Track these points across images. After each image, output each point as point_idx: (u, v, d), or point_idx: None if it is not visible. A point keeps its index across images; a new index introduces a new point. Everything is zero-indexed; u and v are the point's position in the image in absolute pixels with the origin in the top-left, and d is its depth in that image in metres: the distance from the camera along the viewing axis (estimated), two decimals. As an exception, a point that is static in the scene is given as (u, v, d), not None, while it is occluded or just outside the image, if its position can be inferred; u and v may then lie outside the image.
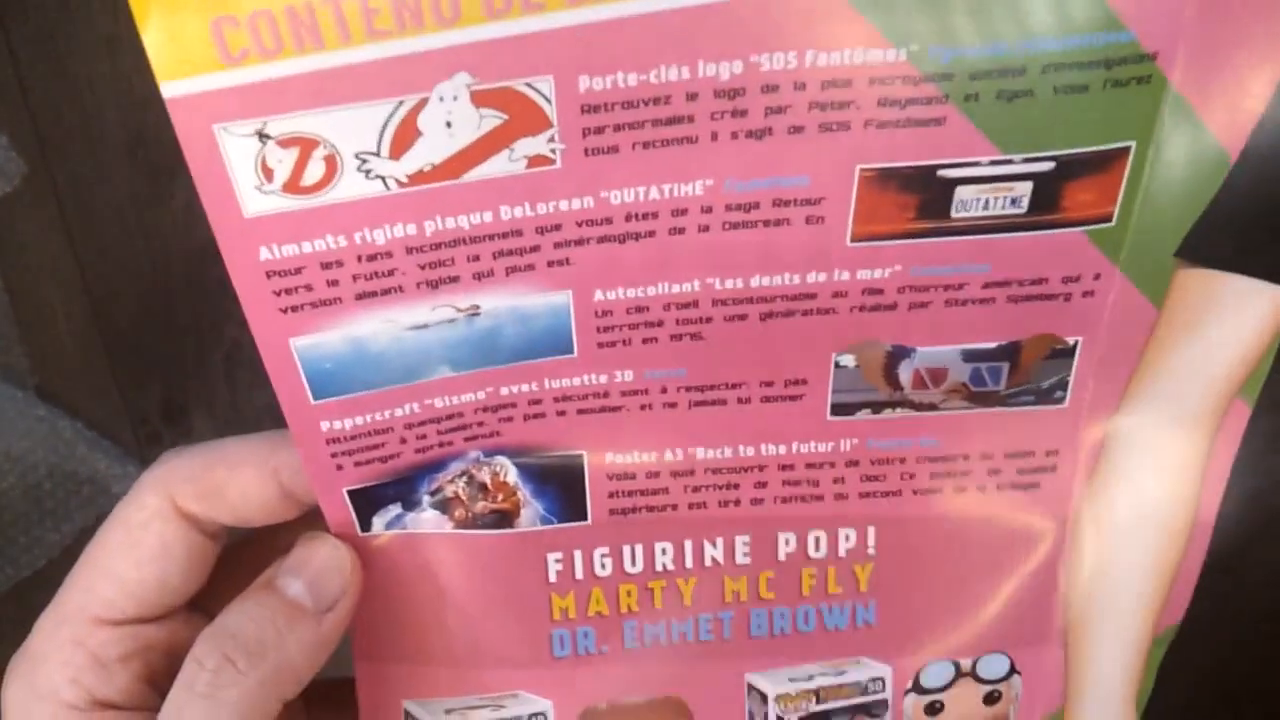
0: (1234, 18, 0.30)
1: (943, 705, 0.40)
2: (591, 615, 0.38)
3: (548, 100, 0.28)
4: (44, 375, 0.81)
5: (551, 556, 0.37)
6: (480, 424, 0.35)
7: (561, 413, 0.35)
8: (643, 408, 0.35)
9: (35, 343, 0.79)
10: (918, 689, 0.40)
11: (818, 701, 0.39)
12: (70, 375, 0.79)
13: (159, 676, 0.35)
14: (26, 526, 0.74)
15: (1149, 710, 0.40)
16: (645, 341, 0.33)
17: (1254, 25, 0.30)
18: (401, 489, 0.36)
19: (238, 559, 0.38)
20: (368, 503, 0.36)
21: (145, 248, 0.81)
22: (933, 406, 0.36)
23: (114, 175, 0.84)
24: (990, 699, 0.40)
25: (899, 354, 0.35)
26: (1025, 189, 0.32)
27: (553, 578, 0.38)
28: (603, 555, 0.38)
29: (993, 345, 0.35)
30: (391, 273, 0.31)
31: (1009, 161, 0.31)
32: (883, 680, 0.40)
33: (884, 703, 0.40)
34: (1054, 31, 0.29)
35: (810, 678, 0.39)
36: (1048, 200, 0.32)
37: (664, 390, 0.35)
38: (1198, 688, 0.39)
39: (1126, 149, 0.31)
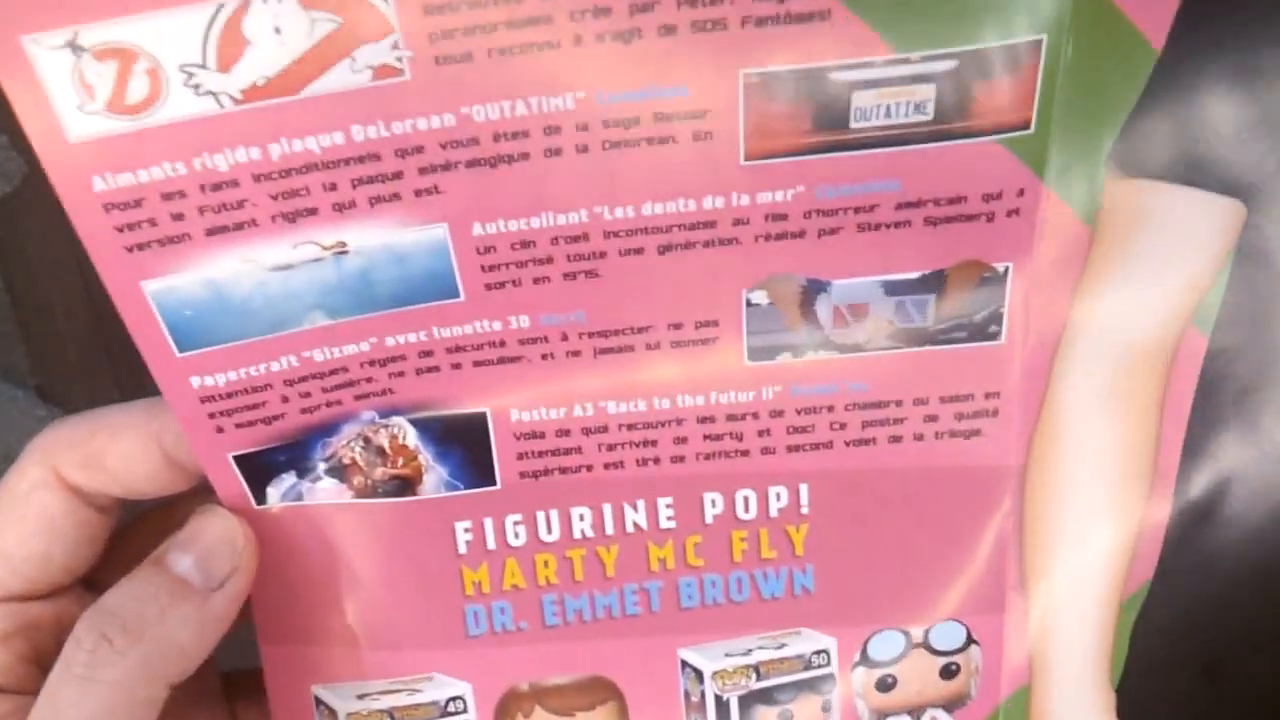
0: None
1: (895, 680, 0.37)
2: (507, 589, 0.36)
3: (377, 15, 0.26)
4: (44, 375, 0.79)
5: (460, 525, 0.35)
6: (369, 380, 0.32)
7: (456, 365, 0.32)
8: (544, 357, 0.32)
9: (35, 343, 0.78)
10: (866, 661, 0.37)
11: (758, 678, 0.37)
12: (70, 376, 0.78)
13: (45, 657, 0.33)
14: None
15: (1124, 679, 0.37)
16: (536, 281, 0.31)
17: None
18: (294, 455, 0.33)
19: (136, 536, 0.36)
20: (259, 471, 0.33)
21: None
22: (858, 347, 0.33)
23: None
24: (947, 672, 0.37)
25: (814, 288, 0.32)
26: (929, 92, 0.29)
27: (462, 549, 0.35)
28: (515, 523, 0.35)
29: (915, 275, 0.32)
30: (241, 204, 0.28)
31: (906, 60, 0.28)
32: (827, 653, 0.37)
33: (830, 677, 0.37)
34: None
35: (748, 652, 0.37)
36: (955, 106, 0.29)
37: (564, 337, 0.32)
38: (1172, 653, 0.36)
39: (1037, 43, 0.28)
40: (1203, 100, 0.30)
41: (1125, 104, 0.30)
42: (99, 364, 0.74)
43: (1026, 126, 0.30)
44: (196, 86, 0.27)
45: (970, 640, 0.37)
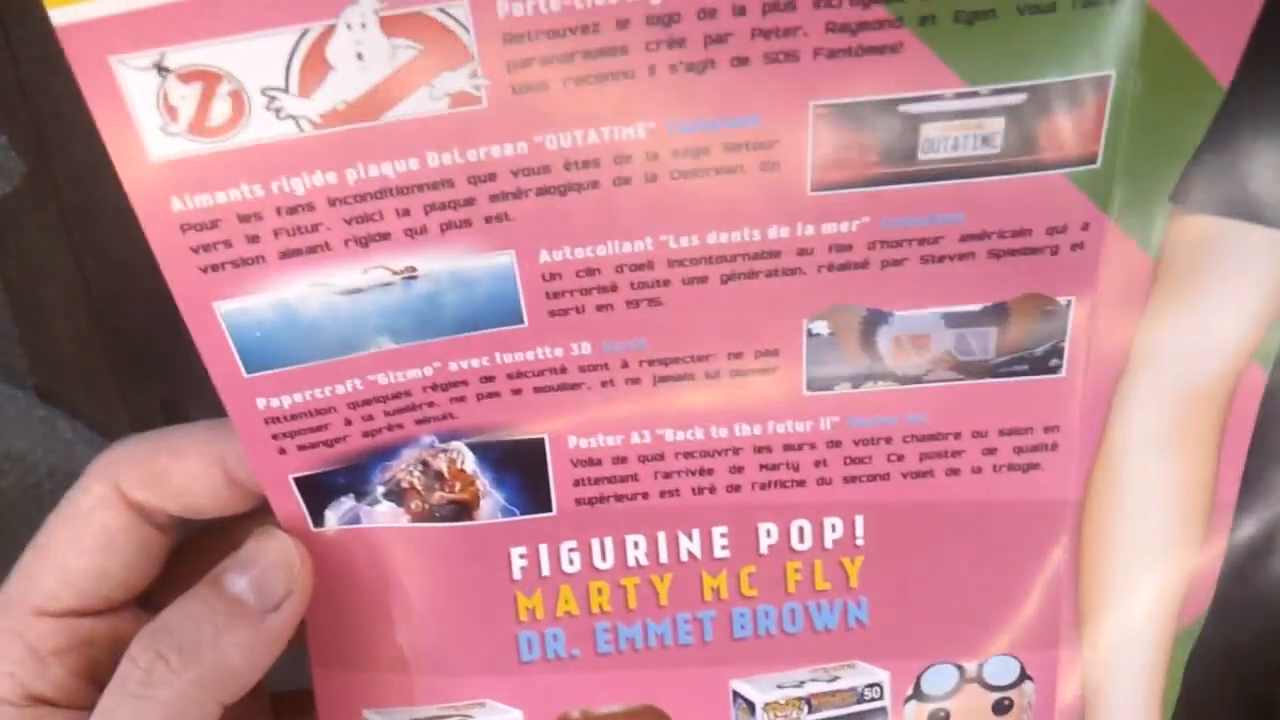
0: None
1: (948, 714, 0.37)
2: (560, 616, 0.36)
3: (465, 28, 0.26)
4: (44, 375, 0.80)
5: (515, 551, 0.35)
6: (431, 404, 0.32)
7: (517, 391, 0.33)
8: (604, 384, 0.33)
9: (35, 343, 0.78)
10: (919, 695, 0.37)
11: (810, 710, 0.36)
12: (70, 375, 0.78)
13: (101, 673, 0.33)
14: (26, 526, 0.74)
15: (1177, 714, 0.37)
16: (600, 309, 0.31)
17: None
18: (353, 478, 0.33)
19: (193, 556, 0.36)
20: (318, 494, 0.33)
21: (145, 248, 0.80)
22: (917, 379, 0.33)
23: (114, 175, 0.85)
24: (1000, 708, 0.37)
25: (876, 319, 0.32)
26: (997, 125, 0.29)
27: (517, 575, 0.35)
28: (570, 549, 0.35)
29: (977, 308, 0.32)
30: (315, 227, 0.29)
31: (975, 94, 0.29)
32: (880, 686, 0.37)
33: (883, 710, 0.37)
34: None
35: (800, 684, 0.36)
36: (1023, 138, 0.29)
37: (625, 364, 0.32)
38: (1226, 689, 0.35)
39: (1105, 79, 0.29)
40: (1268, 137, 0.30)
41: (1191, 140, 0.30)
42: (98, 364, 0.74)
43: (1093, 161, 0.30)
44: (278, 110, 0.27)
45: (1024, 675, 0.37)
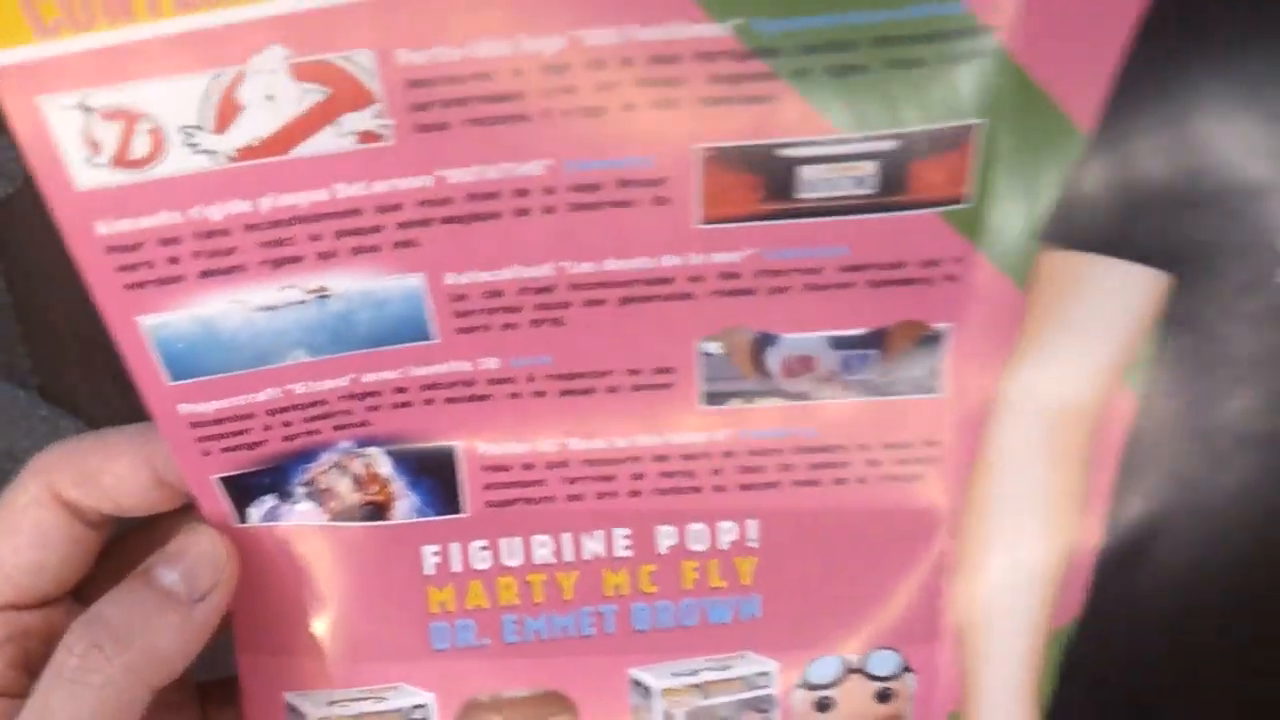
0: None
1: (833, 701, 0.39)
2: (470, 608, 0.38)
3: (369, 74, 0.28)
4: (46, 376, 0.81)
5: (428, 549, 0.37)
6: (347, 412, 0.35)
7: (429, 401, 0.35)
8: (511, 396, 0.35)
9: (37, 343, 0.80)
10: (805, 684, 0.39)
11: (704, 696, 0.39)
12: (72, 376, 0.79)
13: (35, 663, 0.35)
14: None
15: (1052, 711, 0.39)
16: (505, 327, 0.33)
17: (1081, 5, 0.30)
18: (275, 479, 0.36)
19: (125, 551, 0.38)
20: (242, 493, 0.36)
21: None
22: (805, 396, 0.35)
23: None
24: (883, 696, 0.39)
25: (764, 341, 0.34)
26: (871, 168, 0.31)
27: (430, 570, 0.38)
28: (480, 548, 0.37)
29: (859, 332, 0.34)
30: (232, 251, 0.31)
31: (848, 140, 0.31)
32: (769, 674, 0.39)
33: (770, 698, 0.39)
34: (883, 2, 0.29)
35: (695, 672, 0.39)
36: (896, 180, 0.31)
37: (531, 378, 0.35)
38: (1100, 687, 0.38)
39: (972, 126, 0.31)
40: (1127, 179, 0.32)
41: (1056, 181, 0.32)
42: (100, 365, 0.76)
43: (962, 201, 0.32)
44: (194, 145, 0.29)
45: (906, 668, 0.39)
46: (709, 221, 0.32)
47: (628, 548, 0.38)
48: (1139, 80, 0.32)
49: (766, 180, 0.32)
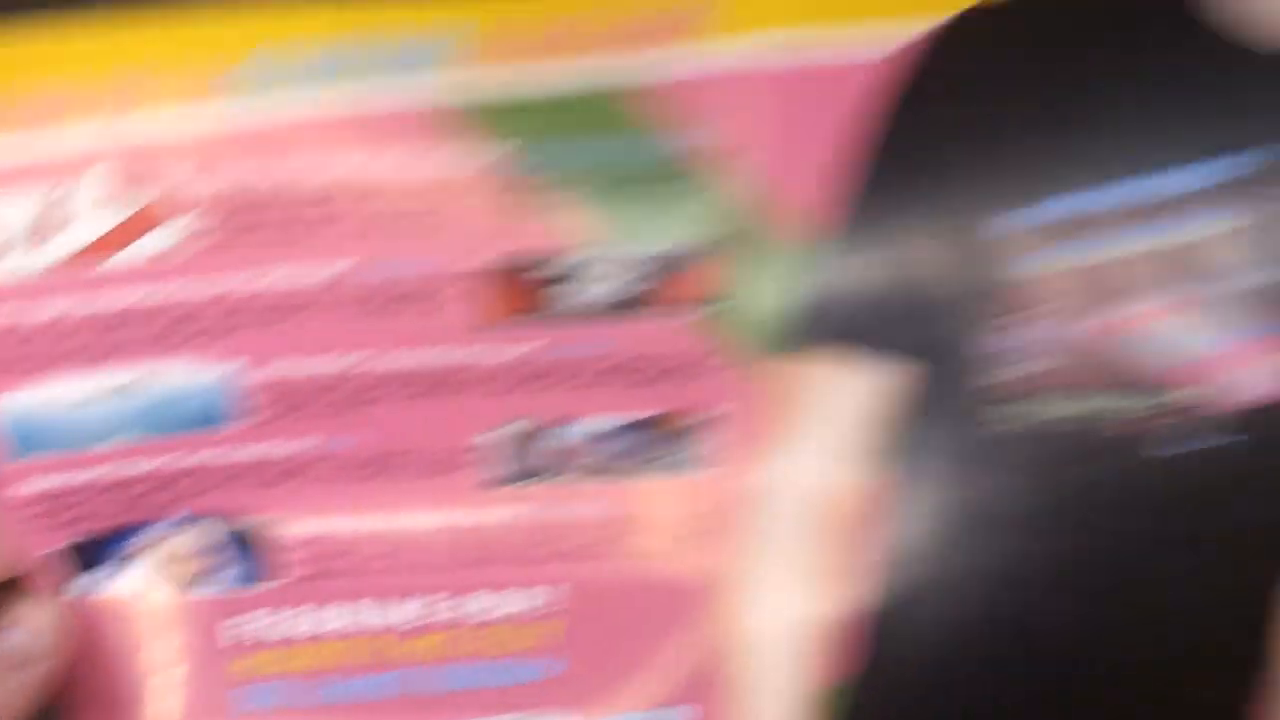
0: (797, 118, 0.35)
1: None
2: (273, 674, 0.42)
3: (184, 192, 0.33)
4: None
5: (240, 619, 0.41)
6: (170, 490, 0.39)
7: (245, 480, 0.39)
8: (321, 476, 0.39)
9: None
10: (598, 745, 0.43)
11: (503, 757, 0.43)
12: None
13: None
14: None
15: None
16: (313, 413, 0.38)
17: (814, 126, 0.35)
18: (102, 552, 0.39)
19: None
20: (72, 564, 0.39)
21: None
22: (587, 477, 0.40)
23: None
24: (664, 756, 0.43)
25: (547, 427, 0.39)
26: (629, 277, 0.36)
27: (240, 638, 0.41)
28: (287, 617, 0.41)
29: (632, 419, 0.39)
30: (56, 344, 0.35)
31: (610, 251, 0.36)
32: (563, 734, 0.43)
33: (563, 755, 0.43)
34: (629, 135, 0.34)
35: (495, 733, 0.43)
36: (652, 288, 0.37)
37: (337, 460, 0.39)
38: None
39: (717, 241, 0.36)
40: (867, 280, 0.38)
41: (793, 290, 0.37)
42: None
43: (713, 305, 0.37)
44: (18, 251, 0.33)
45: (689, 727, 0.43)
46: (487, 323, 0.37)
47: (429, 615, 0.42)
48: (865, 198, 0.37)
49: (538, 287, 0.36)
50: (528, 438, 0.39)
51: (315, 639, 0.41)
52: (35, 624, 0.39)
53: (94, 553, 0.40)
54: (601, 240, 0.36)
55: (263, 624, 0.41)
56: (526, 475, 0.40)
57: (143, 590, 0.40)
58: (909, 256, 0.38)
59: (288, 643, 0.41)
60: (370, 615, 0.41)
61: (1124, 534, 0.42)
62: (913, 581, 0.41)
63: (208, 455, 0.38)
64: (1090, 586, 0.42)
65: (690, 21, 0.34)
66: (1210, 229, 0.38)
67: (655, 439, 0.39)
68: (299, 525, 0.40)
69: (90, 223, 0.33)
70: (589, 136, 0.34)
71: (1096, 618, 0.43)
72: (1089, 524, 0.42)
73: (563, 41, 0.34)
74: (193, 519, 0.40)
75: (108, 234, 0.33)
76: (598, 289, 0.36)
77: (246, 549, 0.40)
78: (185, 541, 0.40)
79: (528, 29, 0.34)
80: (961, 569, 0.42)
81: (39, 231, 0.32)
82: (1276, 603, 0.42)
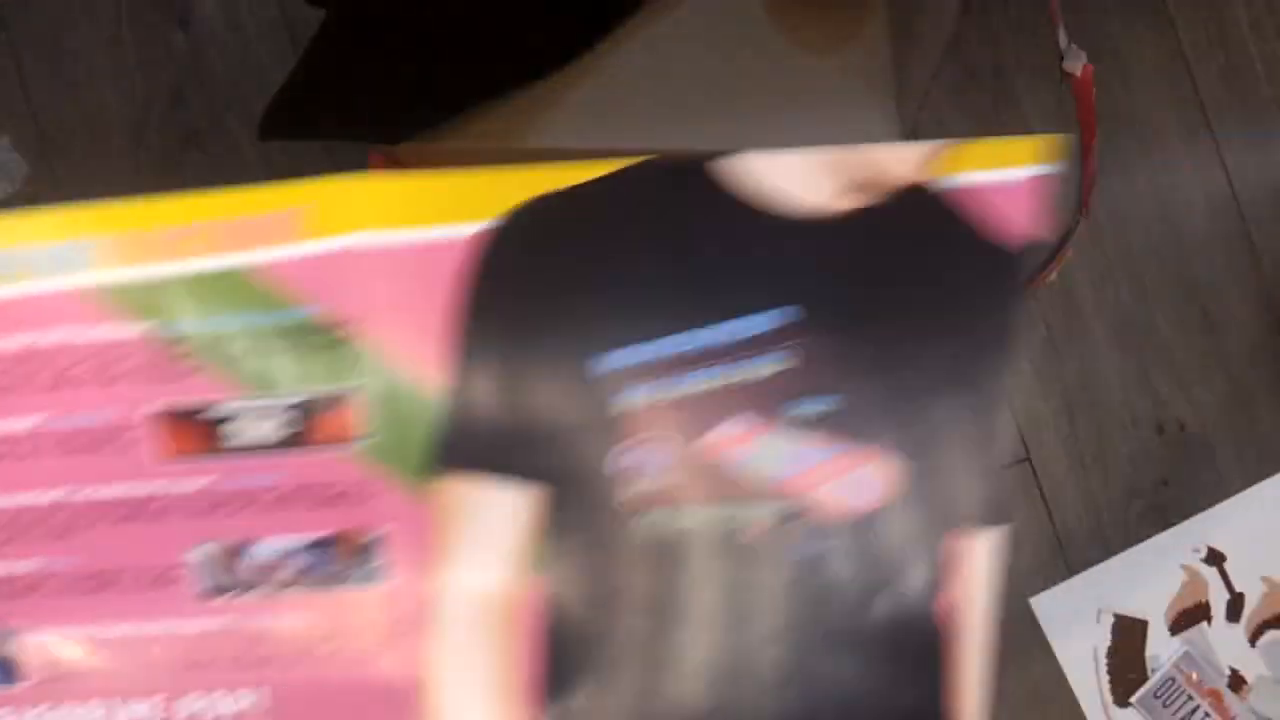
0: (402, 287, 0.43)
1: None
2: None
3: None
4: None
5: None
6: None
7: None
8: (51, 591, 0.46)
9: None
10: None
11: None
12: None
13: None
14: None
15: None
16: (36, 539, 0.45)
17: (417, 300, 0.42)
18: None
19: None
20: None
21: None
22: (284, 588, 0.47)
23: (115, 175, 0.93)
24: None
25: (240, 547, 0.46)
26: (282, 420, 0.43)
27: None
28: (34, 715, 0.48)
29: (314, 537, 0.46)
30: None
31: (258, 400, 0.43)
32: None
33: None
34: (260, 308, 0.41)
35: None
36: (305, 428, 0.44)
37: (63, 578, 0.46)
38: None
39: (353, 388, 0.43)
40: (493, 414, 0.45)
41: (429, 425, 0.44)
42: None
43: (362, 440, 0.44)
44: None
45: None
46: (168, 459, 0.44)
47: (161, 713, 0.49)
48: (474, 347, 0.45)
49: (207, 427, 0.44)
50: (225, 556, 0.46)
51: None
52: None
53: None
54: (250, 391, 0.43)
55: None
56: (230, 589, 0.47)
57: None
58: (526, 395, 0.45)
59: None
60: (96, 716, 0.48)
61: (766, 628, 0.49)
62: (589, 679, 0.48)
63: None
64: (746, 676, 0.49)
65: (296, 220, 0.42)
66: (768, 368, 0.44)
67: (336, 556, 0.46)
68: (33, 635, 0.47)
69: None
70: (219, 313, 0.41)
71: (750, 703, 0.49)
72: (737, 618, 0.48)
73: (191, 238, 0.42)
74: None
75: None
76: (259, 429, 0.43)
77: (-6, 659, 0.47)
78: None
79: (159, 230, 0.42)
80: (623, 662, 0.48)
81: None
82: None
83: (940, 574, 0.47)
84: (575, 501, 0.46)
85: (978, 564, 0.48)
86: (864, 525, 0.47)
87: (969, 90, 0.99)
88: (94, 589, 0.46)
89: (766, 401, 0.45)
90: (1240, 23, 1.01)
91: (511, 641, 0.47)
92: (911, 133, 0.87)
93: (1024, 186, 0.42)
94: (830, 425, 0.45)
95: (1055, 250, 0.99)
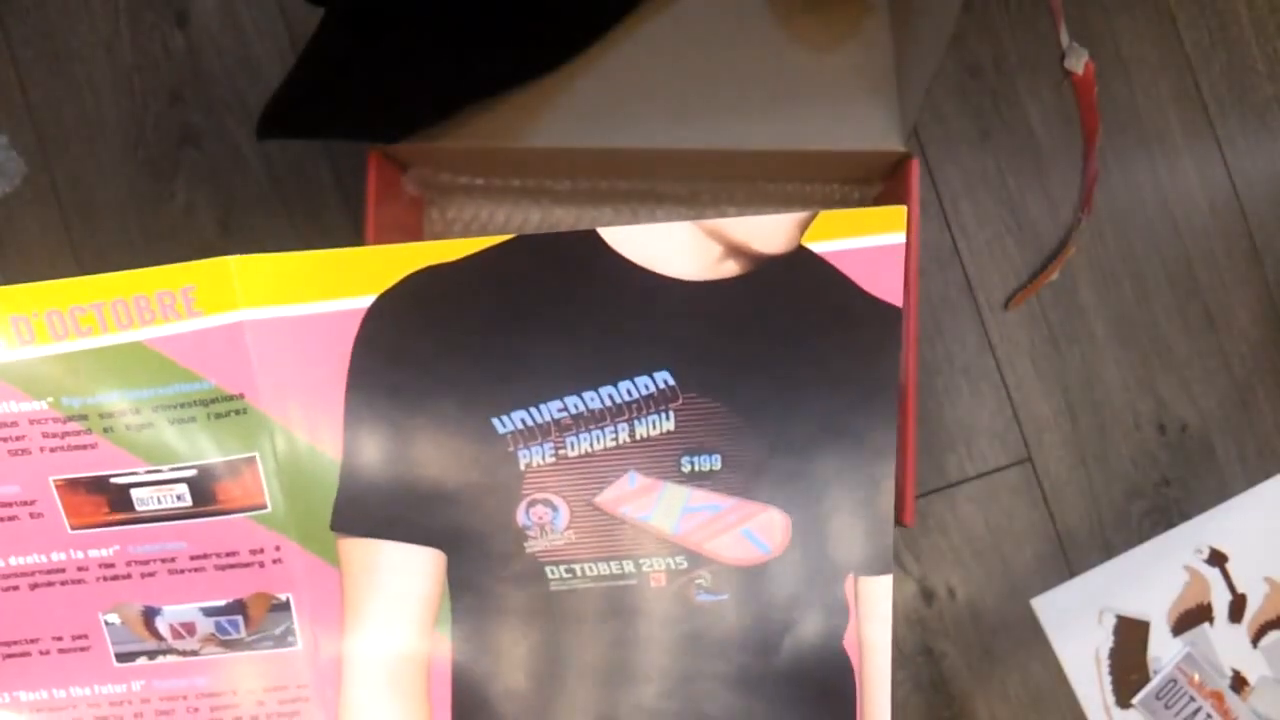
0: (299, 358, 0.44)
1: None
2: None
3: None
4: None
5: None
6: None
7: None
8: None
9: None
10: None
11: None
12: None
13: None
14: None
15: None
16: None
17: (308, 372, 0.43)
18: None
19: None
20: None
21: (145, 248, 0.91)
22: (195, 652, 0.47)
23: (114, 175, 0.93)
24: None
25: (151, 612, 0.47)
26: (183, 489, 0.44)
27: None
28: None
29: (223, 602, 0.46)
30: None
31: (159, 470, 0.44)
32: None
33: None
34: (156, 383, 0.42)
35: None
36: (206, 496, 0.44)
37: None
38: None
39: (251, 458, 0.43)
40: (390, 481, 0.46)
41: (330, 489, 0.45)
42: None
43: (264, 507, 0.45)
44: None
45: None
46: (76, 529, 0.45)
47: None
48: (363, 415, 0.45)
49: (110, 498, 0.44)
50: (137, 621, 0.47)
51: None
52: None
53: None
54: (147, 463, 0.44)
55: None
56: (142, 654, 0.48)
57: None
58: (421, 459, 0.46)
59: None
60: None
61: (673, 676, 0.50)
62: (493, 710, 0.49)
63: None
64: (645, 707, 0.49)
65: (189, 298, 0.42)
66: (657, 427, 0.46)
67: (245, 620, 0.47)
68: None
69: None
70: (123, 383, 0.42)
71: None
72: (642, 668, 0.49)
73: (88, 317, 0.42)
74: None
75: None
76: (162, 497, 0.44)
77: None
78: None
79: (56, 311, 0.43)
80: (532, 699, 0.49)
81: None
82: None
83: (840, 616, 0.49)
84: (477, 560, 0.47)
85: (875, 605, 0.49)
86: (758, 574, 0.48)
87: (970, 89, 0.97)
88: (10, 655, 0.47)
89: (657, 459, 0.46)
90: (1242, 21, 0.99)
91: (419, 700, 0.47)
92: (912, 131, 0.87)
93: (883, 253, 0.43)
94: (717, 481, 0.47)
95: (1057, 249, 0.99)
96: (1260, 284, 0.98)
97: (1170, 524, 0.99)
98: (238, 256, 0.42)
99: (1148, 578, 1.01)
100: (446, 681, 0.47)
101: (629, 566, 0.47)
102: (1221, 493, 0.99)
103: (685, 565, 0.47)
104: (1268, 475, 0.99)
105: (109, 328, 0.42)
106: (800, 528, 0.47)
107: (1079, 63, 0.91)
